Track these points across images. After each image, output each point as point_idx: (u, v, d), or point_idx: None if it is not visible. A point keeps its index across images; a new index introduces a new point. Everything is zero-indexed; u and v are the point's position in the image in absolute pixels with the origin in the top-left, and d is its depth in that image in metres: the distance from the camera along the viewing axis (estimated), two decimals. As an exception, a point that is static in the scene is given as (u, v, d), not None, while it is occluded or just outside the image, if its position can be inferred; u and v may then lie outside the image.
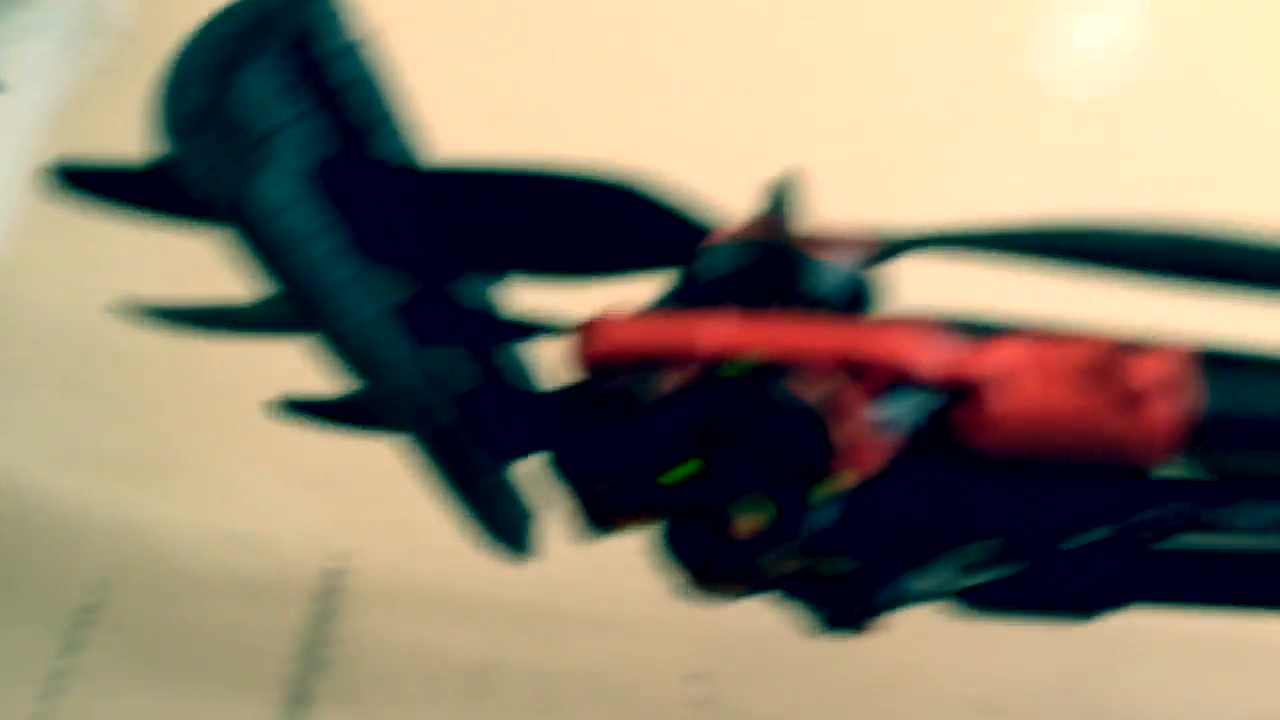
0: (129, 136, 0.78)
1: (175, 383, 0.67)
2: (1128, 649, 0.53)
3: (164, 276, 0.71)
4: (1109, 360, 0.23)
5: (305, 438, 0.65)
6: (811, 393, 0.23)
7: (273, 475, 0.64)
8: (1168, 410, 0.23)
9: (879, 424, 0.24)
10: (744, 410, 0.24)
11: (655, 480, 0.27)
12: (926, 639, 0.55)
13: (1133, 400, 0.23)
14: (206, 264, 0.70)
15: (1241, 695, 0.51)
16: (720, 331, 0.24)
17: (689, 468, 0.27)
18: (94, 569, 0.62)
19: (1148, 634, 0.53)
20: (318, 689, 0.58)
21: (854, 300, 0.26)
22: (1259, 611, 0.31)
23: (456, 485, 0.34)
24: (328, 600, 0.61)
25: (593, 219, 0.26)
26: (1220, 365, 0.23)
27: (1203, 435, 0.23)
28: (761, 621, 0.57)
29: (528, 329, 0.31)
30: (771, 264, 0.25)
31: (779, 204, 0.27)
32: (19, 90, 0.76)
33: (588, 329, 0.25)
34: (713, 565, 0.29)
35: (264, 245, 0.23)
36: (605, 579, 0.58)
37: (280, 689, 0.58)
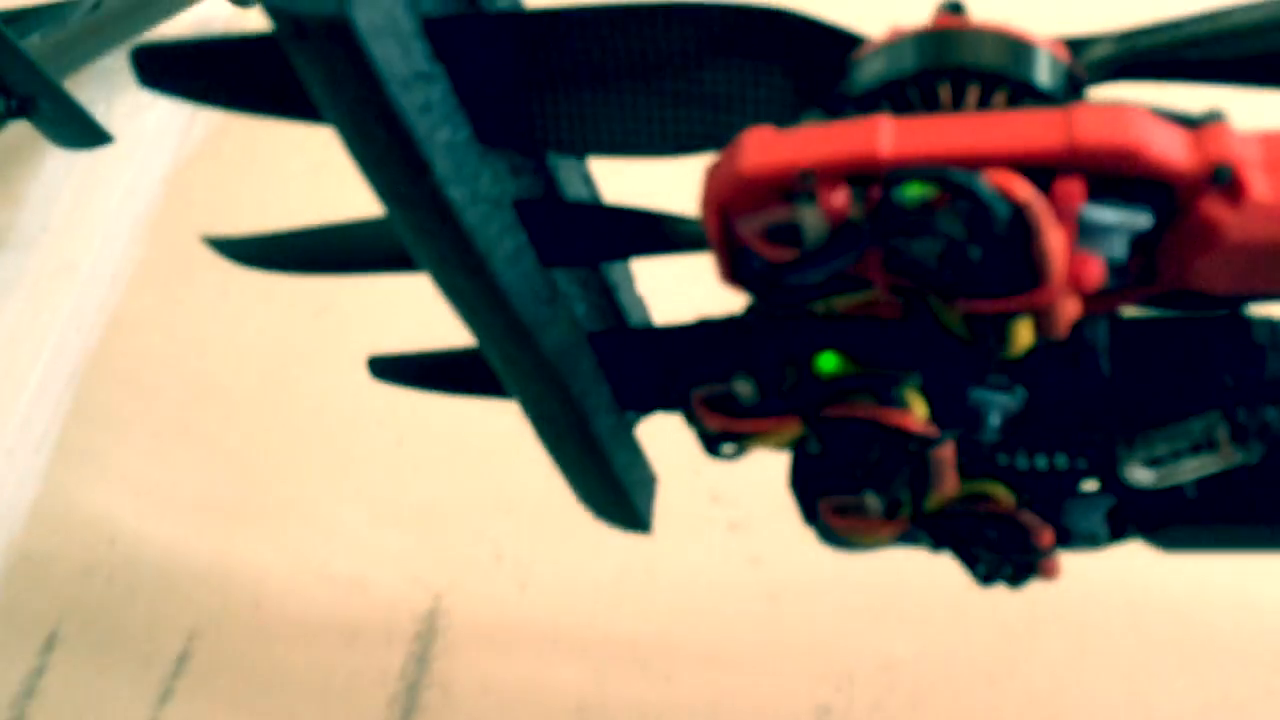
0: (239, 200, 0.81)
1: (271, 426, 0.67)
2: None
3: (262, 329, 0.72)
4: None
5: (402, 475, 0.65)
6: (1025, 191, 0.18)
7: (370, 515, 0.63)
8: None
9: (1098, 230, 0.19)
10: (946, 226, 0.19)
11: (811, 366, 0.24)
12: (1074, 661, 0.50)
13: None
14: (304, 317, 0.71)
15: None
16: (906, 131, 0.20)
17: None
18: (191, 616, 0.62)
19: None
20: (415, 733, 0.55)
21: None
22: None
23: (573, 447, 0.31)
24: (426, 641, 0.58)
25: (720, 38, 0.23)
26: None
27: None
28: (895, 649, 0.53)
29: (663, 233, 0.27)
30: (987, 51, 0.21)
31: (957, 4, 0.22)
32: (134, 149, 0.78)
33: (737, 144, 0.21)
34: (865, 485, 0.25)
35: (358, 84, 0.21)
36: (720, 608, 0.55)
37: (377, 735, 0.55)
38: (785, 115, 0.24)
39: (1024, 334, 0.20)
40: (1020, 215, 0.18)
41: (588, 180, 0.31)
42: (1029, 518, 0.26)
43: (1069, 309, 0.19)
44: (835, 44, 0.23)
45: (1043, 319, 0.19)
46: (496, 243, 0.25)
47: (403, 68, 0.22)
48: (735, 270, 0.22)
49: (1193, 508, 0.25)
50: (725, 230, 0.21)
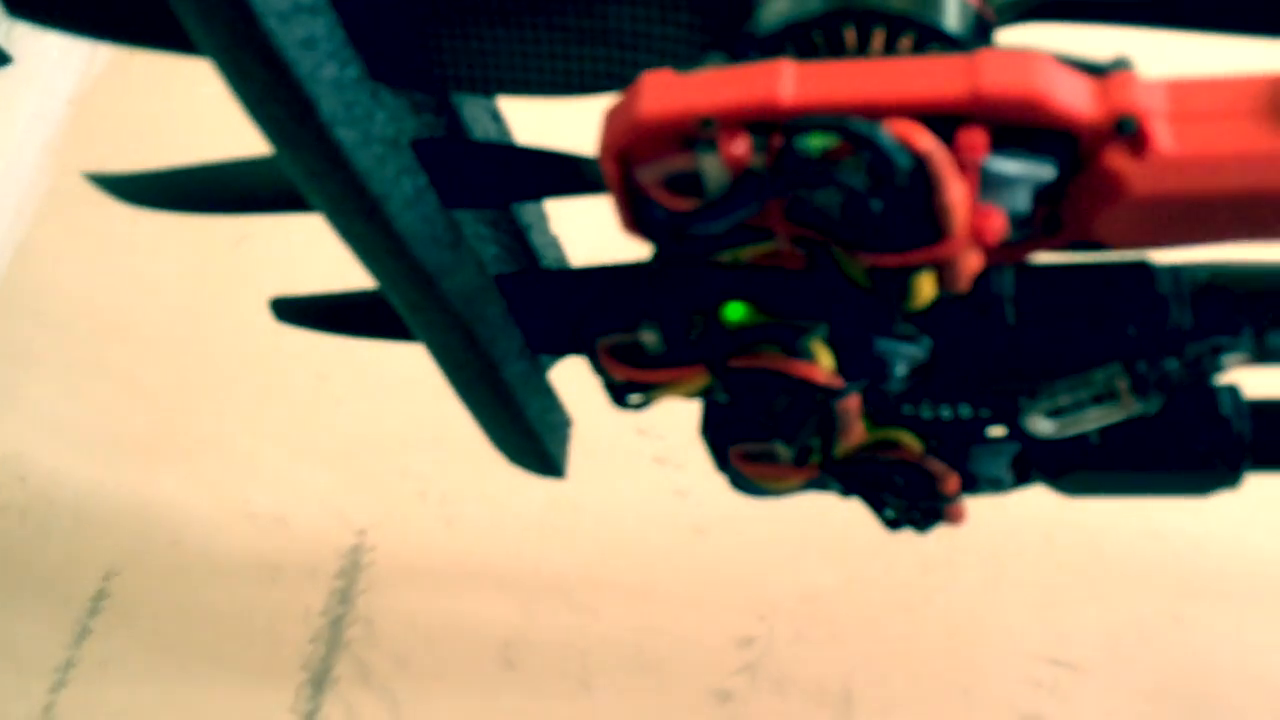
0: (150, 124, 0.77)
1: (189, 360, 0.65)
2: (1198, 597, 0.49)
3: (177, 259, 0.70)
4: None
5: (325, 410, 0.63)
6: (926, 142, 0.18)
7: (292, 451, 0.62)
8: None
9: (1001, 182, 0.18)
10: (847, 177, 0.18)
11: (718, 316, 0.23)
12: (989, 590, 0.52)
13: None
14: (222, 247, 0.69)
15: None
16: (808, 77, 0.19)
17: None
18: (108, 554, 0.60)
19: (1220, 581, 0.49)
20: (338, 670, 0.55)
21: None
22: None
23: (482, 392, 0.30)
24: (349, 578, 0.58)
25: None
26: None
27: None
28: (818, 580, 0.53)
29: (572, 174, 0.26)
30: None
31: None
32: (34, 74, 0.74)
33: (635, 87, 0.20)
34: (773, 434, 0.25)
35: (231, 16, 0.19)
36: (646, 541, 0.55)
37: (300, 671, 0.55)
38: (693, 55, 0.23)
39: (926, 287, 0.19)
40: (922, 167, 0.18)
41: (497, 117, 0.30)
42: (935, 465, 0.26)
43: (971, 262, 0.19)
44: None
45: (945, 272, 0.19)
46: (393, 185, 0.24)
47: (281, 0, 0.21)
48: (637, 219, 0.21)
49: (1096, 454, 0.25)
50: (625, 177, 0.21)
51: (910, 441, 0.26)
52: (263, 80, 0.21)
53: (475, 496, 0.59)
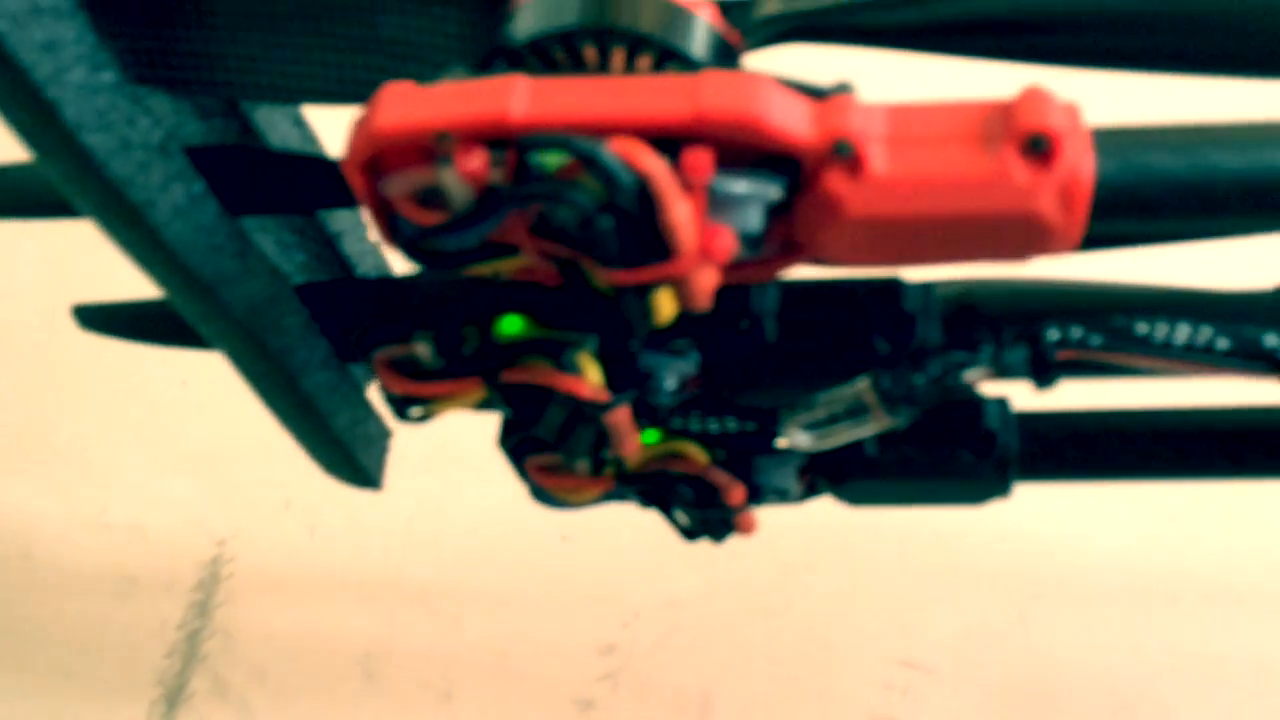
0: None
1: (43, 364, 0.63)
2: (1043, 599, 0.51)
3: (31, 259, 0.68)
4: (1006, 118, 0.18)
5: (186, 417, 0.62)
6: (649, 162, 0.18)
7: (150, 459, 0.60)
8: (1083, 170, 0.18)
9: (730, 201, 0.19)
10: (574, 196, 0.18)
11: (491, 329, 0.23)
12: (846, 595, 0.52)
13: (1044, 160, 0.18)
14: (79, 247, 0.67)
15: (1159, 636, 0.49)
16: (540, 94, 0.19)
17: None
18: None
19: (1064, 583, 0.51)
20: (194, 684, 0.53)
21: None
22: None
23: (282, 403, 0.30)
24: (208, 590, 0.56)
25: None
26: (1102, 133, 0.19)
27: (1106, 203, 0.18)
28: (677, 587, 0.54)
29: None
30: (627, 12, 0.20)
31: None
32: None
33: (374, 100, 0.20)
34: (551, 447, 0.25)
35: None
36: (511, 549, 0.55)
37: (154, 687, 0.54)
38: (466, 64, 0.23)
39: (666, 304, 0.20)
40: (645, 186, 0.18)
41: (299, 122, 0.29)
42: (719, 476, 0.26)
43: (705, 280, 0.19)
44: None
45: (680, 290, 0.19)
46: (159, 192, 0.23)
47: (14, 1, 0.20)
48: (391, 232, 0.21)
49: (872, 465, 0.25)
50: (374, 190, 0.20)
51: (696, 453, 0.26)
52: (1, 84, 0.20)
53: (339, 505, 0.58)
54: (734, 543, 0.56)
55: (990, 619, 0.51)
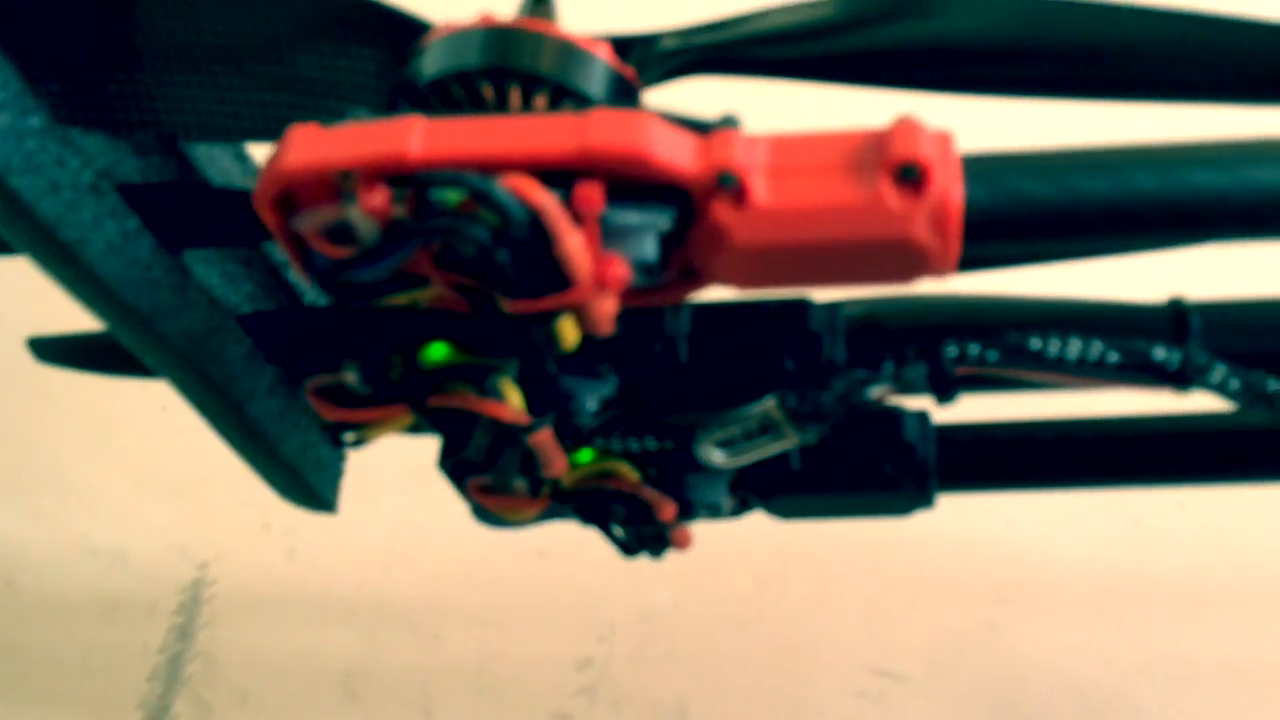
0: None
1: (23, 389, 0.64)
2: (1012, 604, 0.51)
3: (11, 283, 0.69)
4: (880, 147, 0.19)
5: (166, 442, 0.62)
6: (540, 197, 0.19)
7: (131, 484, 0.61)
8: (953, 197, 0.19)
9: (623, 231, 0.20)
10: (472, 230, 0.19)
11: (416, 356, 0.24)
12: (819, 605, 0.53)
13: (916, 187, 0.19)
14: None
15: (1128, 639, 0.49)
16: (436, 133, 0.20)
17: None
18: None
19: (1032, 588, 0.51)
20: (177, 708, 0.54)
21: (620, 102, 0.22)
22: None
23: (230, 430, 0.30)
24: (189, 613, 0.57)
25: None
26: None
27: (978, 227, 0.19)
28: (652, 600, 0.54)
29: None
30: (519, 53, 0.21)
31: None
32: None
33: (282, 140, 0.21)
34: (480, 469, 0.25)
35: None
36: (489, 566, 0.56)
37: (137, 710, 0.54)
38: (383, 102, 0.24)
39: (569, 331, 0.20)
40: (538, 220, 0.19)
41: (241, 157, 0.30)
42: (650, 493, 0.26)
43: (604, 306, 0.20)
44: (415, 33, 0.22)
45: (581, 317, 0.20)
46: (92, 230, 0.24)
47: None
48: (305, 266, 0.22)
49: (797, 478, 0.26)
50: (287, 226, 0.21)
51: (627, 472, 0.26)
52: None
53: (317, 526, 0.58)
54: (707, 555, 0.56)
55: (960, 625, 0.51)
